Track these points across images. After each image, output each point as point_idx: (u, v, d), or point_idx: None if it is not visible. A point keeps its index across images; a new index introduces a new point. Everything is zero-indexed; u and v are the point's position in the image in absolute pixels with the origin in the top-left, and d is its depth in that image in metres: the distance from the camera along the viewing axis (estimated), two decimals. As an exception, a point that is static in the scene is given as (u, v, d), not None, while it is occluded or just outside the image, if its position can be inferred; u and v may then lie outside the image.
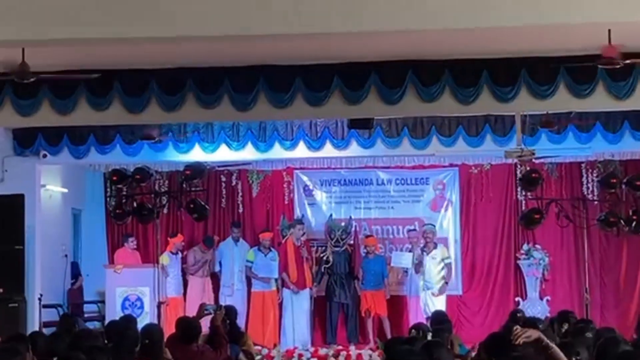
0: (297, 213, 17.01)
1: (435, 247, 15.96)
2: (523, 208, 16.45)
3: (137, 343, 8.24)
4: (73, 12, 8.67)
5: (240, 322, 14.28)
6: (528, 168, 15.83)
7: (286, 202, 17.23)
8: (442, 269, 15.87)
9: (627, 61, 9.91)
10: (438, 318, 11.03)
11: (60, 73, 10.66)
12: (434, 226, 16.32)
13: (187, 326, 9.46)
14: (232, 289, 16.17)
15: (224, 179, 17.22)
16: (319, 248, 16.62)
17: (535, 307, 16.11)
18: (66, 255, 16.35)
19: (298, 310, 15.89)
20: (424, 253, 15.84)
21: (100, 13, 8.71)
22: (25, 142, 14.57)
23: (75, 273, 16.73)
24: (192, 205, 14.75)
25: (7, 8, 8.58)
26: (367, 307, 16.02)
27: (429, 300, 15.60)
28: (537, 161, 15.38)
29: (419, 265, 15.77)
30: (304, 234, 16.17)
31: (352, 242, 16.46)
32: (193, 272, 16.07)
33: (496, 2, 8.44)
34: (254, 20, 8.69)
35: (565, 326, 9.80)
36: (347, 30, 8.81)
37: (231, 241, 16.51)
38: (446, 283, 15.87)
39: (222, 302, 15.51)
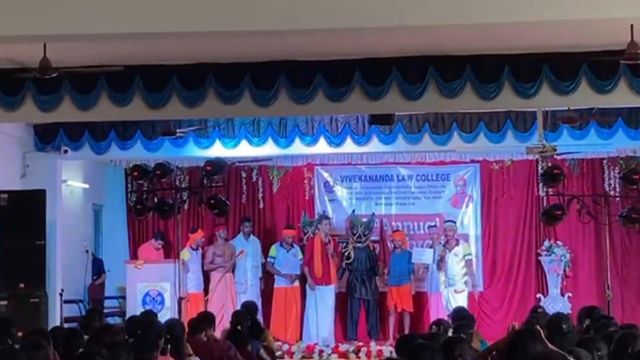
0: (318, 209, 16.99)
1: (457, 244, 15.93)
2: (544, 204, 16.39)
3: (161, 338, 8.26)
4: (94, 7, 8.68)
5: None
6: (549, 164, 15.74)
7: (307, 198, 17.22)
8: (464, 265, 15.84)
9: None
10: (459, 314, 11.01)
11: (82, 68, 10.67)
12: (455, 223, 16.29)
13: (191, 320, 9.62)
14: (246, 285, 16.15)
15: (244, 174, 17.22)
16: (340, 244, 16.60)
17: (557, 303, 16.06)
18: (87, 251, 16.39)
19: (322, 306, 15.85)
20: (446, 249, 15.81)
21: (121, 8, 8.72)
22: (47, 137, 14.64)
23: (99, 269, 16.77)
24: (212, 201, 14.76)
25: (29, 3, 8.59)
26: (393, 302, 15.98)
27: (451, 297, 15.56)
28: (558, 157, 15.32)
29: (441, 262, 15.73)
30: (315, 231, 16.15)
31: (374, 238, 16.43)
32: (211, 269, 16.03)
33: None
34: (274, 16, 8.68)
35: (587, 322, 9.78)
36: (368, 26, 8.79)
37: (242, 237, 16.48)
38: (473, 284, 15.83)
39: (237, 299, 15.57)
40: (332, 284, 15.98)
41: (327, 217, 16.32)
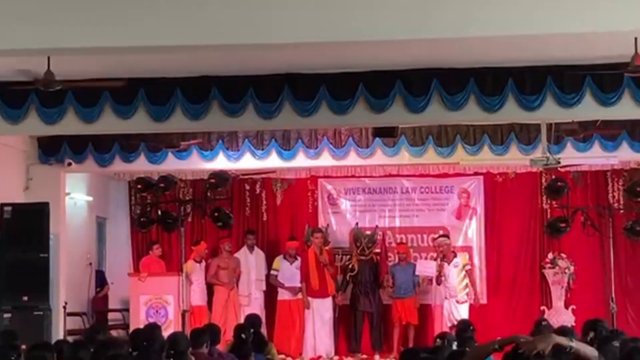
0: (321, 222, 16.99)
1: (455, 256, 15.90)
2: (548, 217, 16.38)
3: (164, 351, 8.23)
4: (98, 20, 8.68)
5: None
6: (553, 176, 15.76)
7: (310, 211, 17.21)
8: (465, 276, 15.81)
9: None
10: (464, 327, 10.98)
11: (86, 81, 10.68)
12: (447, 237, 16.21)
13: (193, 333, 9.62)
14: (250, 298, 16.14)
15: (248, 187, 17.23)
16: (344, 256, 16.59)
17: (561, 316, 16.04)
18: (91, 264, 16.40)
19: (319, 318, 15.82)
20: (444, 263, 15.76)
21: (125, 21, 8.72)
22: (51, 150, 14.63)
23: (102, 281, 16.77)
24: (216, 214, 14.76)
25: (33, 16, 8.60)
26: (398, 315, 15.97)
27: (453, 308, 15.53)
28: (562, 169, 15.32)
29: (439, 277, 15.68)
30: (325, 242, 16.10)
31: (378, 250, 16.42)
32: (214, 283, 15.99)
33: (522, 11, 8.40)
34: (278, 28, 8.68)
35: (591, 334, 9.74)
36: (371, 39, 8.79)
37: (246, 250, 16.47)
38: (474, 293, 15.79)
39: (241, 312, 15.53)
40: (330, 297, 15.93)
41: (319, 231, 16.24)
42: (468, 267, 15.98)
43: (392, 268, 16.24)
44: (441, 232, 16.59)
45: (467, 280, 15.85)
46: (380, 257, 16.46)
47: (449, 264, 15.75)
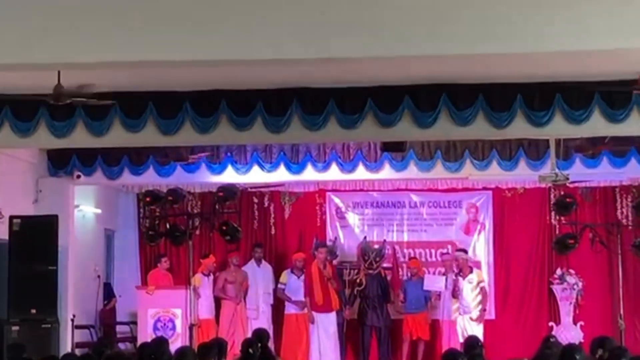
0: (329, 235, 16.99)
1: (471, 271, 15.86)
2: (557, 233, 16.36)
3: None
4: (108, 34, 8.70)
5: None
6: (562, 192, 15.74)
7: (318, 224, 17.22)
8: (479, 293, 15.75)
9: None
10: (471, 343, 10.96)
11: (94, 95, 10.70)
12: (466, 252, 16.20)
13: (200, 347, 9.65)
14: (258, 311, 16.12)
15: (256, 200, 17.25)
16: (352, 271, 16.58)
17: (569, 332, 16.01)
18: (99, 276, 16.41)
19: (324, 333, 15.77)
20: (459, 278, 15.72)
21: (134, 36, 8.73)
22: (60, 163, 14.69)
23: (109, 294, 16.77)
24: (224, 227, 14.76)
25: (44, 30, 8.62)
26: (409, 330, 15.94)
27: (467, 325, 15.47)
28: (571, 185, 15.30)
29: (455, 290, 15.63)
30: (333, 256, 16.08)
31: (386, 265, 16.39)
32: (221, 297, 15.97)
33: (531, 28, 8.39)
34: (288, 44, 8.69)
35: (600, 352, 9.72)
36: (380, 55, 8.78)
37: (254, 263, 16.45)
38: (484, 309, 15.74)
39: (248, 326, 15.50)
40: (334, 311, 15.87)
41: (324, 245, 16.20)
42: (483, 285, 15.89)
43: (404, 283, 16.21)
44: (450, 247, 16.61)
45: (480, 298, 15.77)
46: (392, 272, 16.45)
47: (464, 278, 15.70)
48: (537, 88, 11.11)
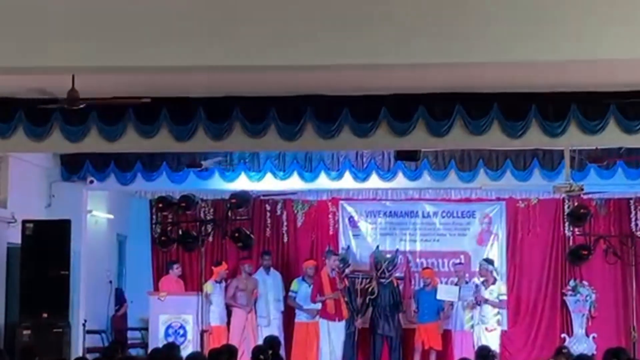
0: (342, 244, 16.95)
1: (494, 283, 15.74)
2: (570, 244, 16.30)
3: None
4: (123, 39, 8.70)
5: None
6: (576, 203, 15.68)
7: (331, 233, 17.18)
8: (498, 304, 15.64)
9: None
10: (483, 353, 10.92)
11: (109, 99, 10.70)
12: (492, 262, 16.07)
13: (210, 354, 9.70)
14: (269, 319, 16.07)
15: (268, 208, 17.22)
16: (364, 279, 16.53)
17: (582, 344, 15.94)
18: (111, 282, 16.40)
19: (333, 341, 15.70)
20: (482, 287, 15.61)
21: (149, 41, 8.73)
22: (73, 168, 14.69)
23: (120, 299, 16.77)
24: (237, 234, 14.78)
25: (58, 34, 8.63)
26: (421, 340, 15.87)
27: (482, 335, 15.37)
28: (585, 196, 15.24)
29: (479, 298, 15.51)
30: (341, 265, 16.01)
31: (398, 274, 16.34)
32: (232, 305, 15.93)
33: (547, 37, 8.36)
34: (301, 51, 8.67)
35: (613, 363, 9.69)
36: (395, 62, 8.76)
37: (263, 271, 16.42)
38: (498, 321, 15.64)
39: (259, 334, 15.47)
40: (344, 320, 15.81)
41: (334, 254, 16.17)
42: (503, 297, 15.78)
43: (417, 293, 16.16)
44: (462, 257, 16.55)
45: (498, 308, 15.67)
46: (405, 281, 16.40)
47: (486, 288, 15.61)
48: (552, 98, 11.05)
